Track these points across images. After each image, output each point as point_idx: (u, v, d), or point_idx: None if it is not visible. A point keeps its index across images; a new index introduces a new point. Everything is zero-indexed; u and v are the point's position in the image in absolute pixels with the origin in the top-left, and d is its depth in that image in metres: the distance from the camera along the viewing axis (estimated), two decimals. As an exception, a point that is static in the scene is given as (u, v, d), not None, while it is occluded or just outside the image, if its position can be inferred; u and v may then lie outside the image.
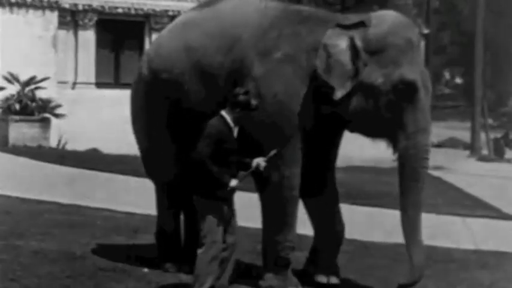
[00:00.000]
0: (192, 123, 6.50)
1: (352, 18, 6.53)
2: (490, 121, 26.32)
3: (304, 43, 6.43)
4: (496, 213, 11.41)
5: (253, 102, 5.96)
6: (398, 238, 8.30)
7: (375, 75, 6.30)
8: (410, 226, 6.42)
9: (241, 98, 5.94)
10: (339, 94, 6.27)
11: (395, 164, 6.57)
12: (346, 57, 6.30)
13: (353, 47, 6.31)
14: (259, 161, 6.00)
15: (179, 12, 18.63)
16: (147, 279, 6.76)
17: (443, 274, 7.13)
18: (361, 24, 6.37)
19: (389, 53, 6.32)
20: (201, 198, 5.94)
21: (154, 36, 17.61)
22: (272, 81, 6.35)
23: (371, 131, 6.54)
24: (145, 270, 7.00)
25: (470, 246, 8.85)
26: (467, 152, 24.39)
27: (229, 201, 5.96)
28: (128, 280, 6.71)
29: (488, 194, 13.15)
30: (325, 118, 6.50)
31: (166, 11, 19.06)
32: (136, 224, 8.83)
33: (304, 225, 6.81)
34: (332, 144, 6.87)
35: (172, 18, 19.42)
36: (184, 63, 6.73)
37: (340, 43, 6.33)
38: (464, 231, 9.83)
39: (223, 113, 5.98)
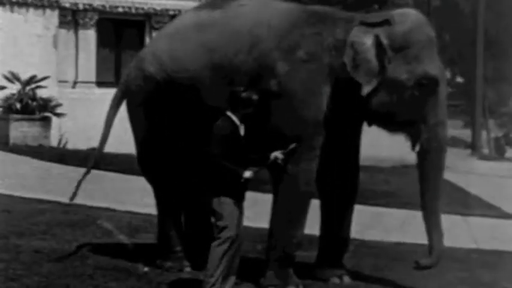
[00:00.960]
0: (207, 122, 6.57)
1: (373, 16, 6.68)
2: (490, 120, 26.32)
3: (325, 42, 6.66)
4: (496, 212, 11.42)
5: (255, 97, 6.04)
6: (398, 237, 8.34)
7: (399, 71, 6.51)
8: (431, 212, 6.70)
9: (243, 95, 6.02)
10: (365, 90, 6.47)
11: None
12: (372, 54, 6.51)
13: (378, 44, 6.48)
14: (277, 154, 6.17)
15: (179, 11, 18.62)
16: (147, 279, 6.76)
17: (444, 273, 7.13)
18: (386, 22, 6.52)
19: (413, 50, 6.54)
20: (217, 196, 6.02)
21: (155, 35, 17.60)
22: (295, 78, 6.51)
23: (393, 125, 6.70)
24: (146, 269, 7.00)
25: (471, 245, 8.85)
26: (468, 151, 24.40)
27: (242, 197, 6.03)
28: (128, 279, 6.71)
29: (489, 193, 13.15)
30: (344, 114, 6.61)
31: (167, 10, 19.05)
32: (137, 223, 8.87)
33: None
34: (352, 141, 6.98)
35: (173, 17, 19.40)
36: (202, 64, 6.80)
37: (367, 41, 6.57)
38: (465, 230, 9.83)
39: (228, 113, 6.06)
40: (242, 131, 6.12)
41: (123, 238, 5.96)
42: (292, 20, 6.76)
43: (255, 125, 6.37)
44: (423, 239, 6.42)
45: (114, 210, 9.53)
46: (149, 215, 8.27)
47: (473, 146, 23.79)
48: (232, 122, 6.06)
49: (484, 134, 24.34)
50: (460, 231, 9.77)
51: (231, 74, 6.67)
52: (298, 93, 6.45)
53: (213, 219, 6.15)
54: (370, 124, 6.80)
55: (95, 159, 7.47)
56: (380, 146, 7.00)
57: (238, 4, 7.00)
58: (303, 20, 6.77)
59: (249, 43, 6.63)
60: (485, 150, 24.23)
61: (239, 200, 6.02)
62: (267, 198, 6.79)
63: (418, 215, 6.64)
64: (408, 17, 6.65)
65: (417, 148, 6.59)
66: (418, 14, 6.75)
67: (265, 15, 6.77)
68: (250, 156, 6.10)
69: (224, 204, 5.98)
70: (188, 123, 6.86)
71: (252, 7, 6.93)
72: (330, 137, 6.63)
